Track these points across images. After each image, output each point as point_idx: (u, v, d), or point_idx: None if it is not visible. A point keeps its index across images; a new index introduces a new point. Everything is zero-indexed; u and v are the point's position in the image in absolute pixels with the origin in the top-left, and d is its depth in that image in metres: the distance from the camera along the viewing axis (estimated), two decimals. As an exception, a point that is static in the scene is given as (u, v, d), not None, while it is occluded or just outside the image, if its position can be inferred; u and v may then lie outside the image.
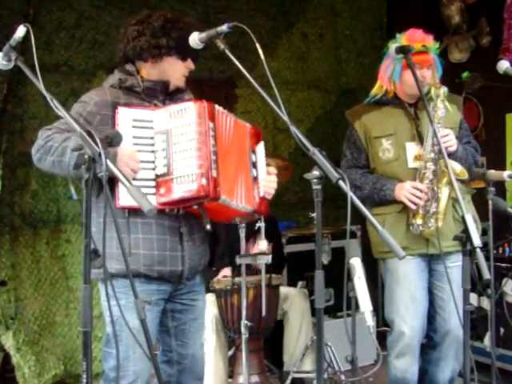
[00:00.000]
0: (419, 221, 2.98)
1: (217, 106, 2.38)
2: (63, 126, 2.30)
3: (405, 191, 2.97)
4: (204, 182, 2.22)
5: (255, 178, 2.52)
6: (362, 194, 3.11)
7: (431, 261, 3.11)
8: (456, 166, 2.90)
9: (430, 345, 3.20)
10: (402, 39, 3.02)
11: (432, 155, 2.95)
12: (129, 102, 2.38)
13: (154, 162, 2.30)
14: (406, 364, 3.08)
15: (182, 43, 2.32)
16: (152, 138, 2.32)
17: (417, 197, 2.94)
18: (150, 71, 2.45)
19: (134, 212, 2.28)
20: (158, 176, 2.28)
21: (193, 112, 2.28)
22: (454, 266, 2.98)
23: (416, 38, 3.02)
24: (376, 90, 3.17)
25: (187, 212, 2.40)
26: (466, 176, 2.90)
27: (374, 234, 3.07)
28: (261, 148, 2.59)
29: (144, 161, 2.28)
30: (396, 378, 3.12)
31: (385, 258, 3.16)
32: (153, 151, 2.30)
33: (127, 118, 2.30)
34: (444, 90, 2.98)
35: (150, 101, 2.42)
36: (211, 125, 2.30)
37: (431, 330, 3.16)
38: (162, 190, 2.26)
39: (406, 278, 3.06)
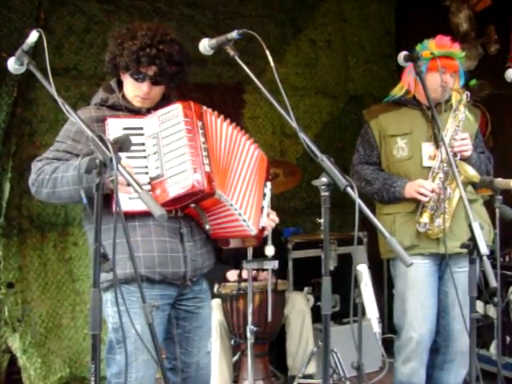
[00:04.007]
0: (426, 219, 2.99)
1: (204, 107, 2.41)
2: (51, 154, 2.35)
3: (416, 186, 2.99)
4: (198, 176, 2.23)
5: (262, 208, 2.53)
6: (371, 189, 3.14)
7: (441, 264, 3.11)
8: (469, 170, 2.92)
9: (433, 348, 3.20)
10: (431, 44, 3.05)
11: (446, 158, 2.95)
12: (115, 115, 2.40)
13: (147, 166, 2.31)
14: (413, 369, 3.08)
15: (137, 63, 2.32)
16: (143, 144, 2.34)
17: (426, 189, 2.95)
18: (125, 86, 2.47)
19: (131, 215, 2.28)
20: (152, 179, 2.29)
21: (180, 112, 2.31)
22: (462, 271, 2.97)
23: (444, 43, 3.05)
24: (396, 91, 3.19)
25: (186, 214, 2.40)
26: (477, 180, 2.92)
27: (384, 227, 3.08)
28: (269, 185, 2.61)
29: (137, 167, 2.28)
30: (401, 382, 3.12)
31: (395, 261, 3.17)
32: (145, 157, 2.32)
33: (117, 128, 2.31)
34: (467, 93, 3.01)
35: (134, 114, 2.43)
36: (199, 123, 2.34)
37: (435, 333, 3.16)
38: (158, 192, 2.27)
39: (416, 283, 3.06)
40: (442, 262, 3.10)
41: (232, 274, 3.90)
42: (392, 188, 3.06)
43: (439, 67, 2.94)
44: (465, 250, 2.88)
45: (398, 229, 3.06)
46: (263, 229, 2.53)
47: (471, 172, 2.92)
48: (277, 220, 2.60)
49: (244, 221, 2.41)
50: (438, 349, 3.19)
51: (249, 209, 2.43)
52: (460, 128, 3.00)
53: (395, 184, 3.06)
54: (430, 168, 3.03)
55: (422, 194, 2.97)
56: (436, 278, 3.11)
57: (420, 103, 3.11)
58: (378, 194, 3.13)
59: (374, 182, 3.12)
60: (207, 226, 2.43)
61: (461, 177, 2.90)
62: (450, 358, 3.15)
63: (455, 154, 2.96)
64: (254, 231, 2.45)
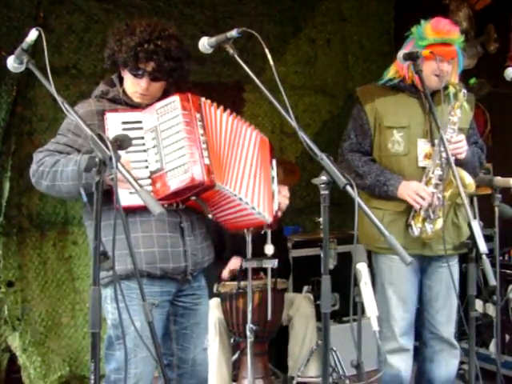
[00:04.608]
0: (419, 224, 2.94)
1: (203, 99, 2.41)
2: (53, 146, 2.36)
3: (410, 191, 2.90)
4: (197, 170, 2.24)
5: (273, 192, 2.54)
6: (362, 183, 3.01)
7: (424, 262, 3.08)
8: (466, 178, 2.83)
9: (421, 342, 3.20)
10: (427, 28, 2.92)
11: (441, 160, 2.89)
12: (115, 109, 2.41)
13: (147, 160, 2.31)
14: (399, 361, 3.07)
15: (135, 58, 2.32)
16: (142, 137, 2.34)
17: (421, 197, 2.89)
18: (125, 82, 2.47)
19: (132, 211, 2.29)
20: (152, 173, 2.30)
21: (177, 104, 2.31)
22: (445, 265, 2.99)
23: (440, 28, 2.91)
24: (393, 74, 3.04)
25: (188, 207, 2.41)
26: (472, 189, 2.83)
27: (370, 226, 2.96)
28: (274, 164, 2.61)
29: (137, 161, 2.29)
30: (390, 375, 3.11)
31: (378, 254, 3.09)
32: (145, 150, 2.33)
33: (116, 122, 2.32)
34: (464, 92, 2.92)
35: (133, 108, 2.43)
36: (198, 115, 2.33)
37: (420, 326, 3.17)
38: (158, 185, 2.28)
39: (399, 279, 3.03)
40: (425, 259, 3.07)
41: (235, 263, 3.85)
42: (385, 186, 2.97)
43: (435, 57, 2.85)
44: (449, 252, 2.91)
45: (386, 227, 2.96)
46: (278, 210, 2.54)
47: (468, 180, 2.83)
48: (288, 195, 2.61)
49: (259, 213, 2.43)
50: (425, 342, 3.18)
51: (261, 200, 2.45)
52: (455, 130, 2.92)
53: (388, 183, 2.96)
54: (423, 168, 2.95)
55: (417, 201, 2.90)
56: (418, 273, 3.09)
57: (418, 90, 2.99)
58: (369, 189, 3.01)
59: (366, 176, 3.00)
60: (210, 216, 2.44)
61: (453, 187, 2.86)
62: (438, 348, 3.13)
63: (448, 161, 2.84)
64: (269, 220, 2.47)
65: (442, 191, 2.91)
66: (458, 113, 2.92)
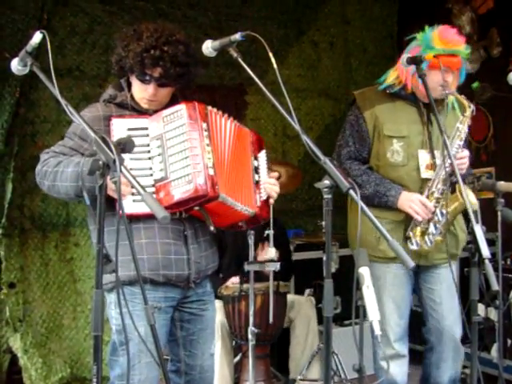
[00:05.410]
0: (418, 237, 2.93)
1: (209, 107, 2.39)
2: (59, 148, 2.36)
3: (412, 203, 2.88)
4: (201, 181, 2.23)
5: (257, 183, 2.52)
6: (361, 193, 2.83)
7: (418, 267, 3.04)
8: (471, 197, 2.74)
9: (427, 348, 3.17)
10: (434, 36, 2.86)
11: (444, 176, 2.86)
12: (121, 114, 2.40)
13: (151, 168, 2.30)
14: (394, 368, 3.05)
15: (141, 64, 2.31)
16: (148, 145, 2.32)
17: (423, 210, 2.87)
18: (132, 87, 2.46)
19: (136, 217, 2.29)
20: (156, 181, 2.29)
21: (184, 114, 2.29)
22: (441, 271, 3.02)
23: (449, 39, 2.87)
24: (393, 80, 2.98)
25: (191, 215, 2.40)
26: (477, 207, 2.68)
27: (366, 234, 2.93)
28: (263, 155, 2.59)
29: (142, 168, 2.29)
30: (387, 381, 3.10)
31: (374, 262, 2.95)
32: (150, 158, 2.31)
33: (122, 128, 2.31)
34: (473, 109, 2.89)
35: (140, 114, 2.42)
36: (204, 125, 2.32)
37: (426, 332, 3.14)
38: (162, 194, 2.26)
39: (394, 286, 3.02)
40: (420, 267, 3.04)
41: (235, 281, 3.86)
42: (385, 197, 2.93)
43: (441, 67, 2.79)
44: (444, 260, 2.95)
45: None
46: (266, 201, 2.52)
47: (474, 200, 2.74)
48: (274, 182, 2.56)
49: (246, 210, 2.43)
50: (432, 348, 3.14)
51: (246, 195, 2.44)
52: (461, 144, 2.89)
53: (388, 193, 2.92)
54: (424, 180, 2.93)
55: (419, 213, 2.87)
56: (412, 279, 3.07)
57: (417, 99, 2.96)
58: (368, 199, 2.92)
59: (365, 186, 2.94)
60: (211, 228, 2.42)
61: (457, 202, 2.85)
62: (445, 355, 3.09)
63: (451, 174, 2.84)
64: (251, 212, 2.45)
65: (442, 206, 2.89)
66: (465, 128, 2.89)
